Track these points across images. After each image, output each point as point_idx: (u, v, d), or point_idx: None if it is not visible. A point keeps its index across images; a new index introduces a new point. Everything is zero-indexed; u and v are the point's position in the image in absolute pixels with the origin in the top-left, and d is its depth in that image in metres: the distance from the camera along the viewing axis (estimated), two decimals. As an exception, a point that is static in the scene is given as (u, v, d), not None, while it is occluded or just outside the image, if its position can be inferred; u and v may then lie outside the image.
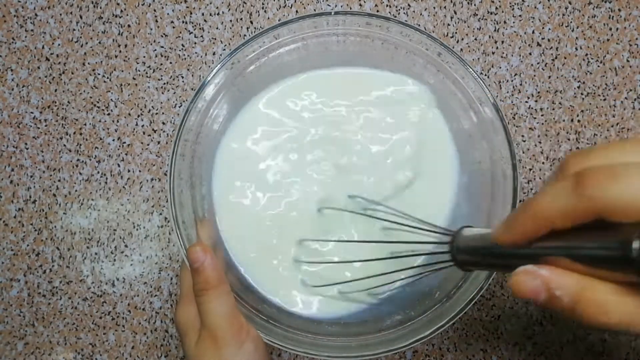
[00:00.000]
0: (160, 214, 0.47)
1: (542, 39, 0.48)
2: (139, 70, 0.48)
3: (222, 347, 0.33)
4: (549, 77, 0.48)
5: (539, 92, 0.48)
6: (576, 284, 0.21)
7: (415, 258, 0.39)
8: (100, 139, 0.48)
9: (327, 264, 0.41)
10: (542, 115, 0.47)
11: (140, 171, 0.48)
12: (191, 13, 0.49)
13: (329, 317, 0.42)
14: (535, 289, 0.22)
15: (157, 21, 0.49)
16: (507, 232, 0.24)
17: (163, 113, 0.48)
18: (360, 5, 0.49)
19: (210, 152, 0.43)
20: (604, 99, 0.48)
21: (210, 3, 0.49)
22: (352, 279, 0.40)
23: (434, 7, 0.48)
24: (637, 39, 0.48)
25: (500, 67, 0.48)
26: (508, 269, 0.25)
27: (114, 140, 0.48)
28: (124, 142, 0.48)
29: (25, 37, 0.49)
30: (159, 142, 0.48)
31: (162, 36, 0.48)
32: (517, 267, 0.24)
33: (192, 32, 0.49)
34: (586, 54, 0.48)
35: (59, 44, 0.49)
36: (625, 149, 0.21)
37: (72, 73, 0.48)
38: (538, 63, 0.48)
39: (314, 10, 0.49)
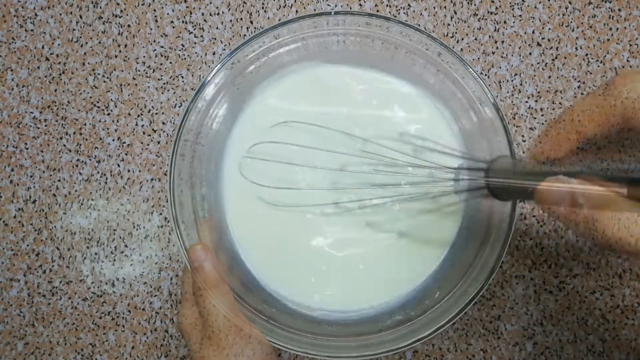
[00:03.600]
0: (160, 214, 0.47)
1: (542, 38, 0.48)
2: (139, 70, 0.48)
3: (225, 346, 0.33)
4: (549, 77, 0.48)
5: (539, 92, 0.48)
6: (602, 195, 0.22)
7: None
8: (100, 139, 0.48)
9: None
10: (542, 115, 0.47)
11: (140, 171, 0.47)
12: (191, 13, 0.49)
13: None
14: (561, 196, 0.23)
15: (157, 21, 0.49)
16: (545, 142, 0.26)
17: (163, 113, 0.48)
18: (360, 5, 0.49)
19: (210, 151, 0.43)
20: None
21: (210, 3, 0.49)
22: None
23: (434, 7, 0.48)
24: (637, 39, 0.48)
25: (500, 67, 0.48)
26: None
27: (113, 140, 0.48)
28: (124, 142, 0.48)
29: (25, 37, 0.49)
30: (159, 142, 0.48)
31: (162, 36, 0.48)
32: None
33: (192, 32, 0.48)
34: (586, 54, 0.48)
35: (59, 44, 0.49)
36: None
37: (72, 73, 0.48)
38: (538, 63, 0.48)
39: (314, 10, 0.49)
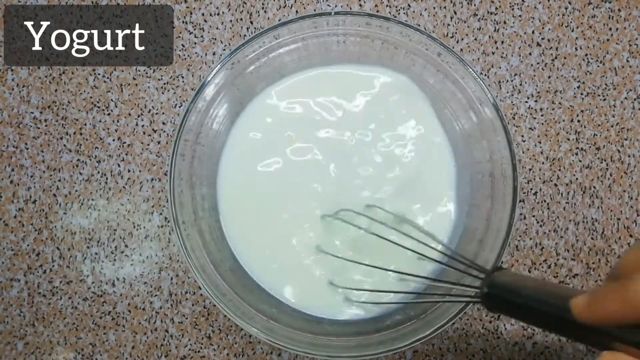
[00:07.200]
0: (161, 214, 0.47)
1: (542, 39, 0.48)
2: (139, 70, 0.48)
3: None
4: (549, 77, 0.48)
5: (538, 92, 0.48)
6: None
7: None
8: (101, 139, 0.48)
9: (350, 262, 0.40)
10: (542, 116, 0.47)
11: (140, 171, 0.48)
12: (191, 13, 0.49)
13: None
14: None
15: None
16: (592, 309, 0.23)
17: (163, 113, 0.48)
18: (360, 5, 0.49)
19: (210, 151, 0.43)
20: (604, 99, 0.48)
21: (211, 3, 0.49)
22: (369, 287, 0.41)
23: (434, 7, 0.48)
24: (637, 39, 0.48)
25: (500, 67, 0.48)
26: (560, 332, 0.26)
27: (114, 140, 0.48)
28: (124, 142, 0.48)
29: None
30: (159, 142, 0.48)
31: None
32: (569, 335, 0.25)
33: (192, 32, 0.49)
34: (586, 54, 0.48)
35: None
36: None
37: (73, 73, 0.48)
38: (538, 63, 0.48)
39: (314, 10, 0.49)
